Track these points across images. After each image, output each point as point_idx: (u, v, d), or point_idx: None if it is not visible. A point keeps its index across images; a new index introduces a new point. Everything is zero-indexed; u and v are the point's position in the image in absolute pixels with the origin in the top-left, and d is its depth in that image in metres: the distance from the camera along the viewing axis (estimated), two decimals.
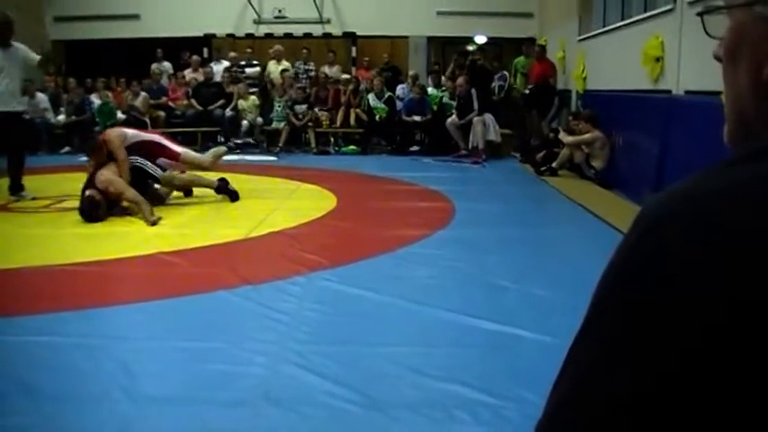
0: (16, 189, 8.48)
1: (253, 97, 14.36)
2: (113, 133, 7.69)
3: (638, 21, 9.33)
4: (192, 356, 3.66)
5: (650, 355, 0.57)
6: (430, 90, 14.21)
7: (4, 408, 3.14)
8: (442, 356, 3.65)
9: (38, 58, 8.52)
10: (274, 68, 15.72)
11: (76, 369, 3.57)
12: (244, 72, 15.82)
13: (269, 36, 17.17)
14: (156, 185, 7.93)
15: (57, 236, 6.62)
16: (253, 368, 3.48)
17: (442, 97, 13.85)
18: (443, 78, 14.40)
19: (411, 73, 14.85)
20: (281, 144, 13.74)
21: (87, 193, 7.12)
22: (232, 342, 3.85)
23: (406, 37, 17.39)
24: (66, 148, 14.11)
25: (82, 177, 7.47)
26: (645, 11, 9.25)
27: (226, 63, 16.11)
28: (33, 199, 8.34)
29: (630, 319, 0.59)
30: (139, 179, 7.55)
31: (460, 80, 13.11)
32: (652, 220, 0.62)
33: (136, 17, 17.53)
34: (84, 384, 3.39)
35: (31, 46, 17.26)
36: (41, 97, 14.50)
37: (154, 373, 3.53)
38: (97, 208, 7.06)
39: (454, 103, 13.27)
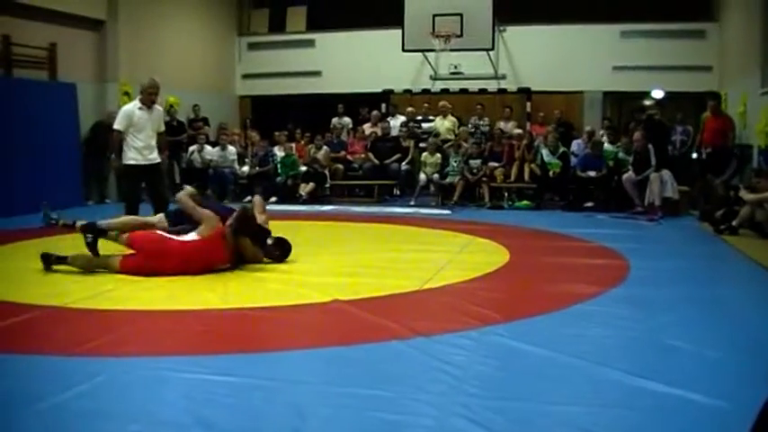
0: None
1: (438, 154, 14.60)
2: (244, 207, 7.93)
3: None
4: (364, 404, 3.74)
5: None
6: (605, 146, 14.05)
7: None
8: (611, 417, 3.60)
9: (163, 128, 9.67)
10: (440, 123, 16.00)
11: (252, 409, 3.74)
12: (420, 127, 16.17)
13: (445, 92, 17.46)
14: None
15: (234, 280, 6.96)
16: (422, 419, 3.52)
17: (617, 153, 13.67)
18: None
19: (587, 128, 14.75)
20: (455, 198, 13.90)
21: (271, 240, 7.76)
22: (403, 392, 3.91)
23: (581, 92, 17.32)
24: (249, 198, 14.81)
25: None
26: None
27: (402, 118, 16.52)
28: None
29: None
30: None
31: (637, 135, 12.92)
32: None
33: (318, 74, 18.27)
34: (258, 424, 3.55)
35: (224, 101, 18.35)
36: (231, 149, 15.34)
37: (326, 417, 3.63)
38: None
39: (630, 159, 13.08)
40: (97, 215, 11.48)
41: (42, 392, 3.89)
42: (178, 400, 3.86)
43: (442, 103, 16.45)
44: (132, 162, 9.08)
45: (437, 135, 15.67)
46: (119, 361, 4.57)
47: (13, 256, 8.17)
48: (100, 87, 15.03)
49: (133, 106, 9.19)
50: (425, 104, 17.15)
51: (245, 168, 15.50)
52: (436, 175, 14.41)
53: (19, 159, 12.32)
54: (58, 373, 4.32)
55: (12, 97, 12.44)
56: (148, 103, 9.15)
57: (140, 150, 9.08)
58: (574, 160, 14.01)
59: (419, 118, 16.56)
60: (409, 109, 16.79)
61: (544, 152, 13.81)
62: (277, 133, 16.07)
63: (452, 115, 16.31)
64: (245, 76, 19.21)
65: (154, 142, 9.27)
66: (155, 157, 9.28)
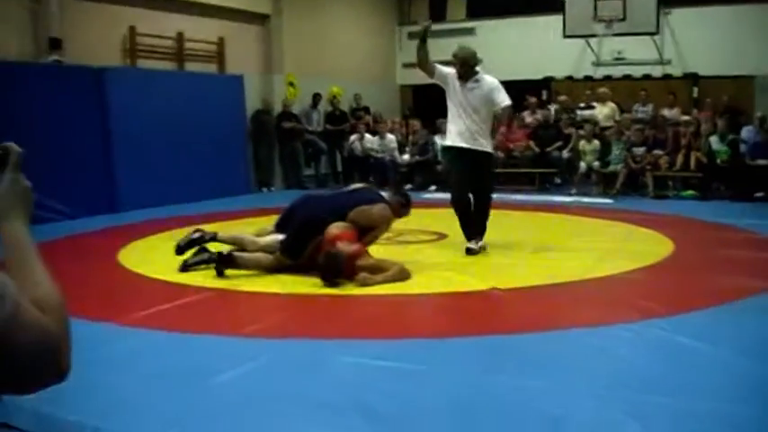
0: (473, 235, 7.81)
1: (596, 141, 14.35)
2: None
3: None
4: (522, 394, 3.78)
5: None
6: None
7: (338, 424, 3.47)
8: None
9: (505, 103, 7.83)
10: (599, 110, 15.68)
11: (408, 395, 3.83)
12: (576, 114, 15.91)
13: (607, 78, 17.12)
14: None
15: None
16: (581, 412, 3.53)
17: None
18: None
19: (758, 114, 14.16)
20: (617, 187, 13.64)
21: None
22: (561, 383, 3.93)
23: (752, 77, 16.62)
24: (409, 186, 14.98)
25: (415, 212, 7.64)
26: None
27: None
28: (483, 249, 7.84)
29: None
30: None
31: None
32: None
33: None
34: (413, 410, 3.63)
35: (385, 90, 18.50)
36: (390, 137, 15.55)
37: (483, 407, 3.68)
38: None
39: None
40: (263, 203, 11.93)
41: (211, 370, 4.15)
42: (336, 383, 4.00)
43: (601, 89, 16.14)
44: (450, 144, 7.90)
45: (595, 123, 15.39)
46: (280, 342, 4.79)
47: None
48: (266, 79, 15.54)
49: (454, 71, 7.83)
50: (587, 91, 16.86)
51: (406, 157, 15.69)
52: (596, 163, 14.16)
53: (190, 148, 12.87)
54: (224, 352, 4.59)
55: (184, 89, 13.03)
56: (461, 73, 7.74)
57: (458, 134, 7.72)
58: (743, 148, 13.48)
59: (582, 105, 16.28)
60: (562, 98, 16.55)
61: (713, 139, 13.35)
62: (439, 121, 16.13)
63: (612, 102, 15.95)
64: (406, 66, 19.34)
65: (479, 127, 7.68)
66: (477, 144, 7.66)
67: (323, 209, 6.85)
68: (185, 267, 6.93)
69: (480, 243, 7.78)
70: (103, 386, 3.89)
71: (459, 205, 7.84)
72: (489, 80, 7.78)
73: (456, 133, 7.75)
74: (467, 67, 7.71)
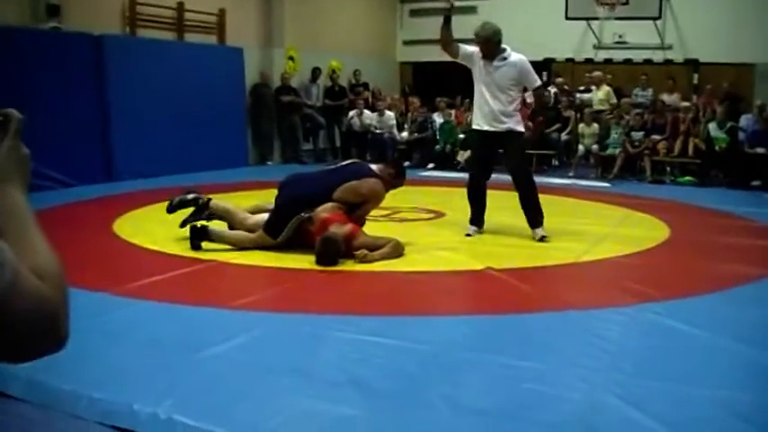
0: (535, 224, 7.53)
1: (595, 125, 14.29)
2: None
3: None
4: (515, 374, 3.78)
5: None
6: None
7: (334, 397, 3.46)
8: None
9: (537, 83, 7.73)
10: (594, 94, 15.63)
11: (404, 371, 3.84)
12: (575, 98, 15.86)
13: (608, 61, 17.07)
14: None
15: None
16: (573, 394, 3.53)
17: None
18: None
19: (757, 102, 14.12)
20: (615, 171, 13.62)
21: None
22: (554, 364, 3.94)
23: (752, 64, 16.57)
24: (407, 163, 14.95)
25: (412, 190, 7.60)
26: None
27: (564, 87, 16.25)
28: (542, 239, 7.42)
29: None
30: None
31: None
32: None
33: None
34: (410, 387, 3.63)
35: (384, 67, 18.40)
36: (389, 114, 15.51)
37: (477, 385, 3.69)
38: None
39: None
40: (260, 176, 11.90)
41: (203, 342, 4.15)
42: (331, 358, 4.01)
43: (596, 72, 16.06)
44: (475, 127, 7.58)
45: (589, 106, 15.35)
46: (275, 316, 4.81)
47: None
48: (266, 52, 15.45)
49: (478, 50, 7.48)
50: (587, 74, 16.80)
51: (404, 134, 15.66)
52: (595, 146, 14.13)
53: (188, 119, 12.81)
54: (218, 324, 4.60)
55: (184, 60, 12.96)
56: (485, 53, 7.38)
57: (482, 116, 7.42)
58: (742, 136, 13.46)
59: (581, 88, 16.24)
60: (558, 79, 16.50)
61: (711, 126, 13.33)
62: (438, 99, 16.08)
63: (608, 85, 15.88)
64: (407, 43, 19.29)
65: (505, 107, 7.34)
66: (503, 125, 7.33)
67: (310, 187, 6.78)
68: (185, 223, 6.91)
69: (542, 233, 7.44)
70: (98, 356, 3.90)
71: (471, 188, 7.69)
72: (517, 59, 7.40)
73: (480, 116, 7.46)
74: (490, 44, 7.33)
